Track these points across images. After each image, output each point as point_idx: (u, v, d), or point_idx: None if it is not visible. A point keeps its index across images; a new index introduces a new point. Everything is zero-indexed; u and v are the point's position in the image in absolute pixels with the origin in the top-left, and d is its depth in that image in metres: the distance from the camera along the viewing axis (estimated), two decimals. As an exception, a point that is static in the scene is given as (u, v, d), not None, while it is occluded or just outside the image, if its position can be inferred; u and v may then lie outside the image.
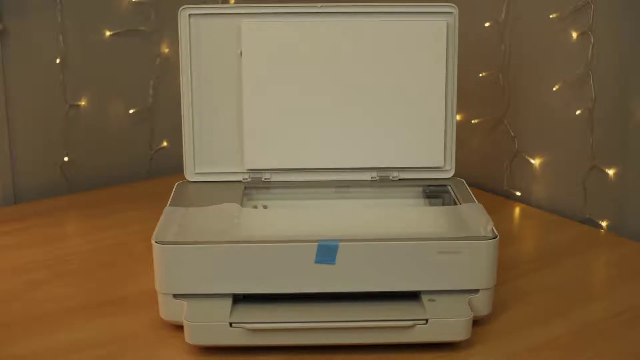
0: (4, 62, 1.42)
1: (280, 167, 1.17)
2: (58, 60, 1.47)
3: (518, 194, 1.45)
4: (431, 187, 1.17)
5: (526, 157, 1.43)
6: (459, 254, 0.96)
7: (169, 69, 1.56)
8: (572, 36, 1.31)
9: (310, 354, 0.94)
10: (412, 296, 0.98)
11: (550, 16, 1.33)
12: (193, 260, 0.95)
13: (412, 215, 1.09)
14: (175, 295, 0.96)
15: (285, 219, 1.08)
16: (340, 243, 0.95)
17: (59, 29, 1.46)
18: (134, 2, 1.52)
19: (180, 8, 1.14)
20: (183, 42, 1.14)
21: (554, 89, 1.35)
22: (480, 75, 1.45)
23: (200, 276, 0.96)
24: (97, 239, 1.28)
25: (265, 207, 1.15)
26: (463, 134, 1.44)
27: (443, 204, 1.15)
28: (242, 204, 1.10)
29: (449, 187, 1.15)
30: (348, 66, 1.15)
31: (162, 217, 1.03)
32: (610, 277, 1.18)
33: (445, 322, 0.94)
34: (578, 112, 1.32)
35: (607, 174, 1.31)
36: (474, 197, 1.10)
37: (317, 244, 0.94)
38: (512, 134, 1.44)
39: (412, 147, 1.17)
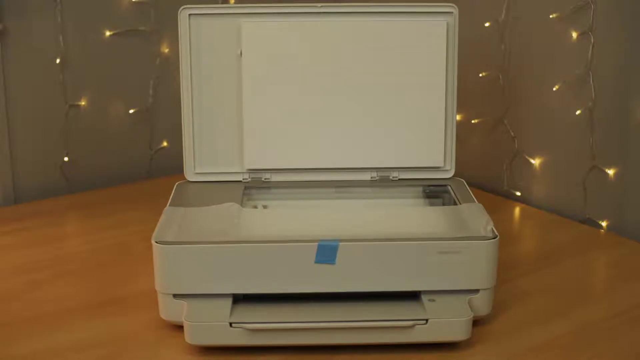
0: (4, 62, 1.42)
1: (280, 167, 1.17)
2: (58, 60, 1.47)
3: (518, 194, 1.45)
4: (431, 187, 1.17)
5: (526, 157, 1.43)
6: (459, 254, 0.96)
7: (169, 69, 1.56)
8: (572, 36, 1.32)
9: (310, 354, 0.94)
10: (412, 296, 0.98)
11: (550, 16, 1.33)
12: (193, 260, 0.95)
13: (412, 215, 1.09)
14: (175, 295, 0.96)
15: (285, 219, 1.08)
16: (340, 243, 0.95)
17: (59, 29, 1.46)
18: (134, 2, 1.52)
19: (180, 8, 1.14)
20: (183, 42, 1.14)
21: (554, 89, 1.35)
22: (480, 75, 1.45)
23: (200, 276, 0.96)
24: (97, 239, 1.28)
25: (265, 207, 1.15)
26: (463, 134, 1.44)
27: (443, 204, 1.15)
28: (242, 204, 1.10)
29: (449, 187, 1.15)
30: (348, 66, 1.15)
31: (162, 217, 1.03)
32: (610, 277, 1.18)
33: (445, 322, 0.94)
34: (578, 112, 1.33)
35: (607, 174, 1.31)
36: (474, 197, 1.10)
37: (317, 244, 0.95)
38: (512, 134, 1.44)
39: (412, 147, 1.17)
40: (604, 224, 1.33)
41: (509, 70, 1.43)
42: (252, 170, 1.17)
